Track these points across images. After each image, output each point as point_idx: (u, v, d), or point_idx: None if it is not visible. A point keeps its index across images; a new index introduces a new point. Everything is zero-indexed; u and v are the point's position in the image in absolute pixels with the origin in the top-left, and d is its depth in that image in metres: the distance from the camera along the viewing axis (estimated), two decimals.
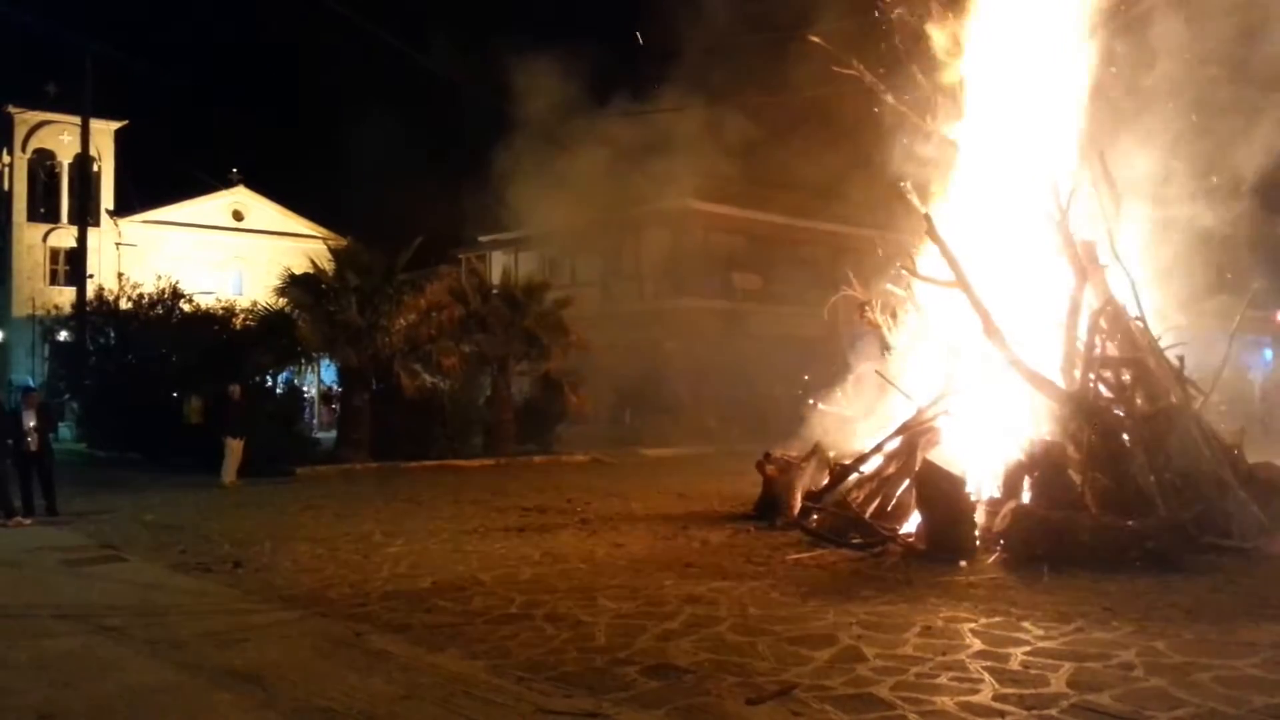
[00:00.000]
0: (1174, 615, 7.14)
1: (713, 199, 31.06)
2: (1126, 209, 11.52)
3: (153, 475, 19.88)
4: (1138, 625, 6.84)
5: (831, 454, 12.52)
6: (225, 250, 45.84)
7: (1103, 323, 10.88)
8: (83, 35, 32.37)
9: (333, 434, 24.56)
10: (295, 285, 22.30)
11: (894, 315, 13.41)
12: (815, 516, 11.20)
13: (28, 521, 13.10)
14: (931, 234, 11.44)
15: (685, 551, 10.36)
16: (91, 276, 32.40)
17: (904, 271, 12.77)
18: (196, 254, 43.88)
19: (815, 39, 12.87)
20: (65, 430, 28.96)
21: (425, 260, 27.35)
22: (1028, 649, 6.34)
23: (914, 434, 11.29)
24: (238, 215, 47.35)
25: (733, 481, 15.33)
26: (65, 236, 40.80)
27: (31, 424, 13.57)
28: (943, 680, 5.77)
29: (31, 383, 29.23)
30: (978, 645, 6.47)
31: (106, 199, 43.97)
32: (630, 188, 25.44)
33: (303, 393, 28.42)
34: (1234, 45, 11.32)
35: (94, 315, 29.37)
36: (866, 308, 13.57)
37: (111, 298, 29.57)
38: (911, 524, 10.37)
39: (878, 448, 11.62)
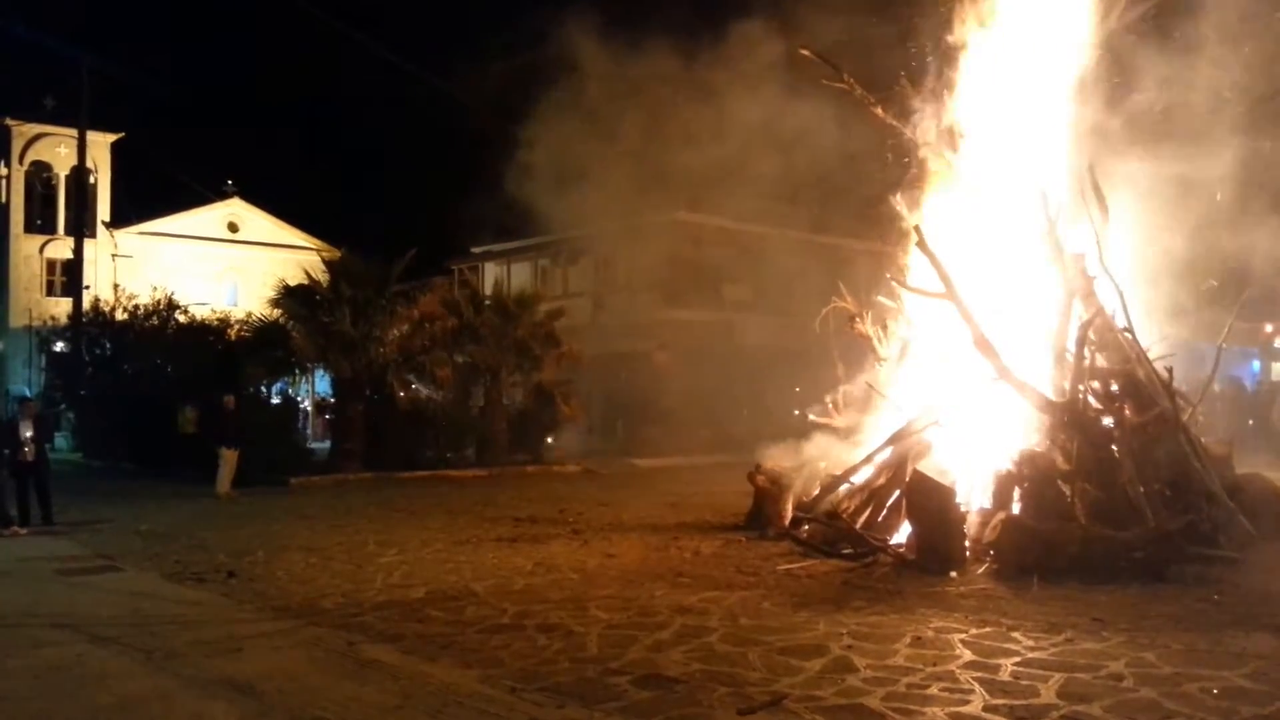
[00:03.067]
0: (1163, 626, 7.18)
1: (704, 210, 31.12)
2: (1115, 220, 11.58)
3: (147, 485, 19.89)
4: (1127, 636, 6.88)
5: (822, 465, 12.52)
6: (220, 262, 45.83)
7: (1092, 334, 10.92)
8: (80, 48, 32.33)
9: (327, 444, 24.58)
10: (290, 296, 22.36)
11: (884, 327, 13.47)
12: (806, 527, 11.22)
13: (23, 531, 13.14)
14: (921, 245, 11.49)
15: (677, 562, 10.39)
16: (88, 288, 32.50)
17: (894, 283, 12.82)
18: (192, 265, 43.87)
19: (805, 51, 12.92)
20: (61, 440, 28.97)
21: (418, 271, 27.37)
22: (1018, 659, 6.38)
23: (904, 445, 11.30)
24: (233, 227, 47.31)
25: (724, 492, 15.33)
26: (62, 248, 40.75)
27: (28, 434, 13.59)
28: (933, 691, 5.81)
29: (28, 393, 29.16)
30: (968, 656, 6.50)
31: (103, 211, 43.93)
32: (622, 199, 25.46)
33: (297, 403, 28.47)
34: (1229, 50, 11.41)
35: (90, 326, 29.47)
36: (857, 319, 13.62)
37: (107, 309, 29.67)
38: (902, 534, 10.38)
39: (868, 458, 11.62)
